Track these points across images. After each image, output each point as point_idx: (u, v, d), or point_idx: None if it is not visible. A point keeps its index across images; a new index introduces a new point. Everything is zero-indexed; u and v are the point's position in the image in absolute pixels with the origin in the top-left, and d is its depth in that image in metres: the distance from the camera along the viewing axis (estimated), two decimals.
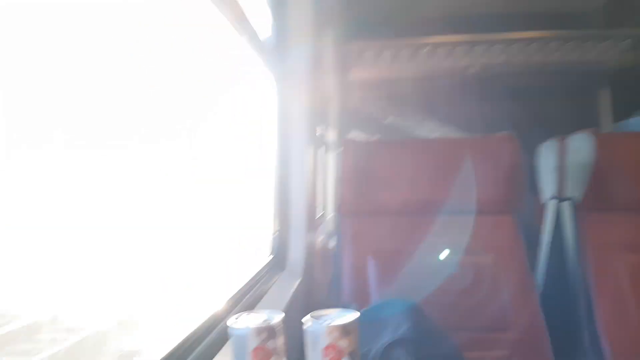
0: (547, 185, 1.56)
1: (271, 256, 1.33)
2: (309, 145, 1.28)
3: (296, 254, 1.36)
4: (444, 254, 1.32)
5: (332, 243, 1.78)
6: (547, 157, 1.54)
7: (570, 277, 1.39)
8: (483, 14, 1.72)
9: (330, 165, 1.96)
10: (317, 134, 1.39)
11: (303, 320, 0.68)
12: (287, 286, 1.23)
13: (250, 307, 1.00)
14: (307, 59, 1.14)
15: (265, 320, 0.69)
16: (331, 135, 1.97)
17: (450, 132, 2.28)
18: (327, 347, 0.68)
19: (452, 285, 1.28)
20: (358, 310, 0.72)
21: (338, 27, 1.52)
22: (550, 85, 2.19)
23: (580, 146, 1.43)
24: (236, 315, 0.70)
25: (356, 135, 2.22)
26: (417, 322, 1.06)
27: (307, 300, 1.36)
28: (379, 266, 1.31)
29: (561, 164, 1.48)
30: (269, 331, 0.67)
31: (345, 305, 1.21)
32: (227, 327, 0.88)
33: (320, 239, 1.63)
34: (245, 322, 0.68)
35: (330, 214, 2.02)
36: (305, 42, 1.12)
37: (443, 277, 1.29)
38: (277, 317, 0.70)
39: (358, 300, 1.27)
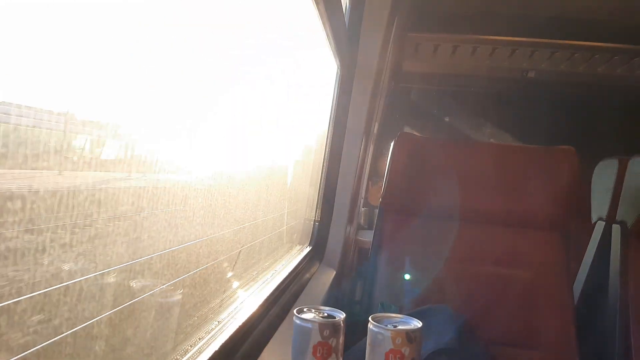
0: (599, 205, 1.49)
1: (309, 247, 1.30)
2: (363, 138, 1.23)
3: (334, 246, 1.33)
4: (483, 264, 1.28)
5: (362, 236, 1.75)
6: (603, 176, 1.48)
7: (609, 305, 1.34)
8: (549, 17, 1.61)
9: (369, 158, 1.91)
10: (372, 128, 1.34)
11: (370, 319, 0.66)
12: (325, 279, 1.20)
13: (292, 300, 0.98)
14: (375, 50, 1.09)
15: (329, 317, 0.67)
16: (376, 128, 1.91)
17: (505, 138, 2.18)
18: (390, 352, 0.66)
19: (488, 297, 1.24)
20: (398, 312, 0.72)
21: (401, 18, 1.45)
22: (614, 100, 2.09)
23: None
24: (299, 308, 0.69)
25: (407, 132, 2.16)
26: (462, 333, 1.04)
27: (339, 294, 1.33)
28: (416, 268, 1.28)
29: (617, 185, 1.41)
30: (332, 328, 0.65)
31: (382, 305, 1.20)
32: (275, 315, 0.87)
33: (355, 232, 1.59)
34: (309, 315, 0.66)
35: (361, 207, 1.98)
36: (376, 32, 1.06)
37: (479, 287, 1.25)
38: (340, 316, 0.68)
39: (391, 300, 1.25)
